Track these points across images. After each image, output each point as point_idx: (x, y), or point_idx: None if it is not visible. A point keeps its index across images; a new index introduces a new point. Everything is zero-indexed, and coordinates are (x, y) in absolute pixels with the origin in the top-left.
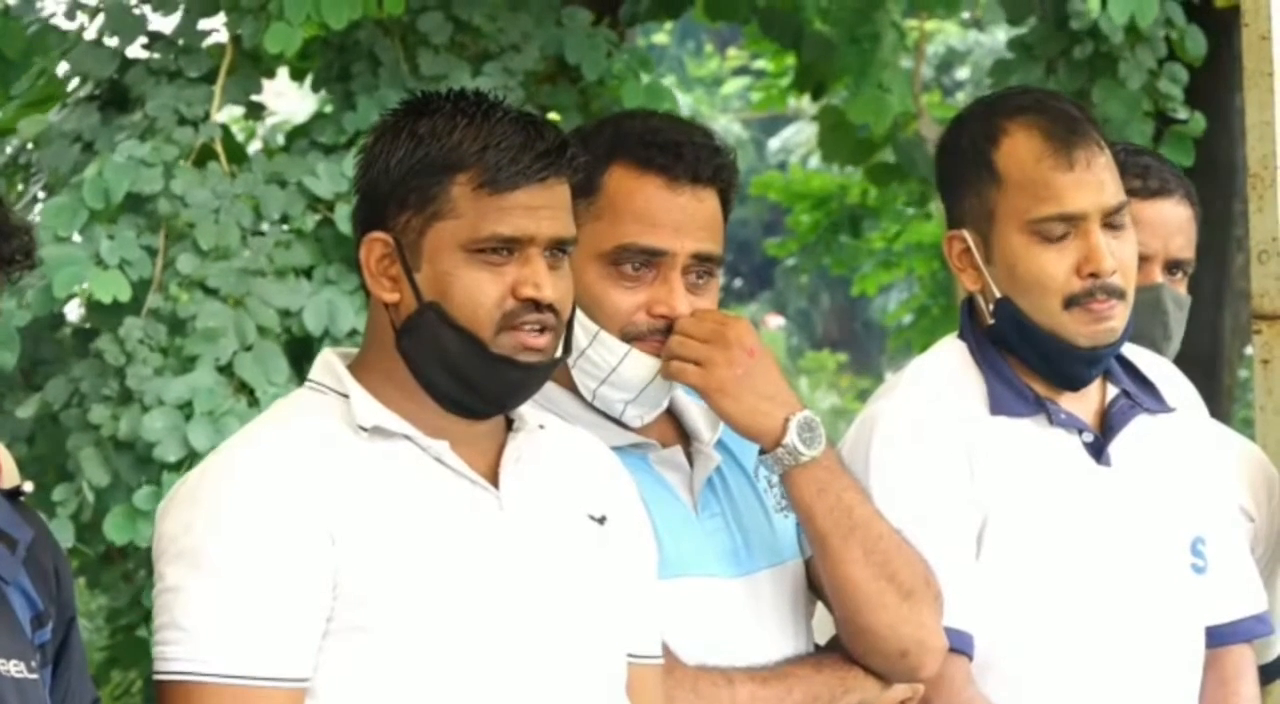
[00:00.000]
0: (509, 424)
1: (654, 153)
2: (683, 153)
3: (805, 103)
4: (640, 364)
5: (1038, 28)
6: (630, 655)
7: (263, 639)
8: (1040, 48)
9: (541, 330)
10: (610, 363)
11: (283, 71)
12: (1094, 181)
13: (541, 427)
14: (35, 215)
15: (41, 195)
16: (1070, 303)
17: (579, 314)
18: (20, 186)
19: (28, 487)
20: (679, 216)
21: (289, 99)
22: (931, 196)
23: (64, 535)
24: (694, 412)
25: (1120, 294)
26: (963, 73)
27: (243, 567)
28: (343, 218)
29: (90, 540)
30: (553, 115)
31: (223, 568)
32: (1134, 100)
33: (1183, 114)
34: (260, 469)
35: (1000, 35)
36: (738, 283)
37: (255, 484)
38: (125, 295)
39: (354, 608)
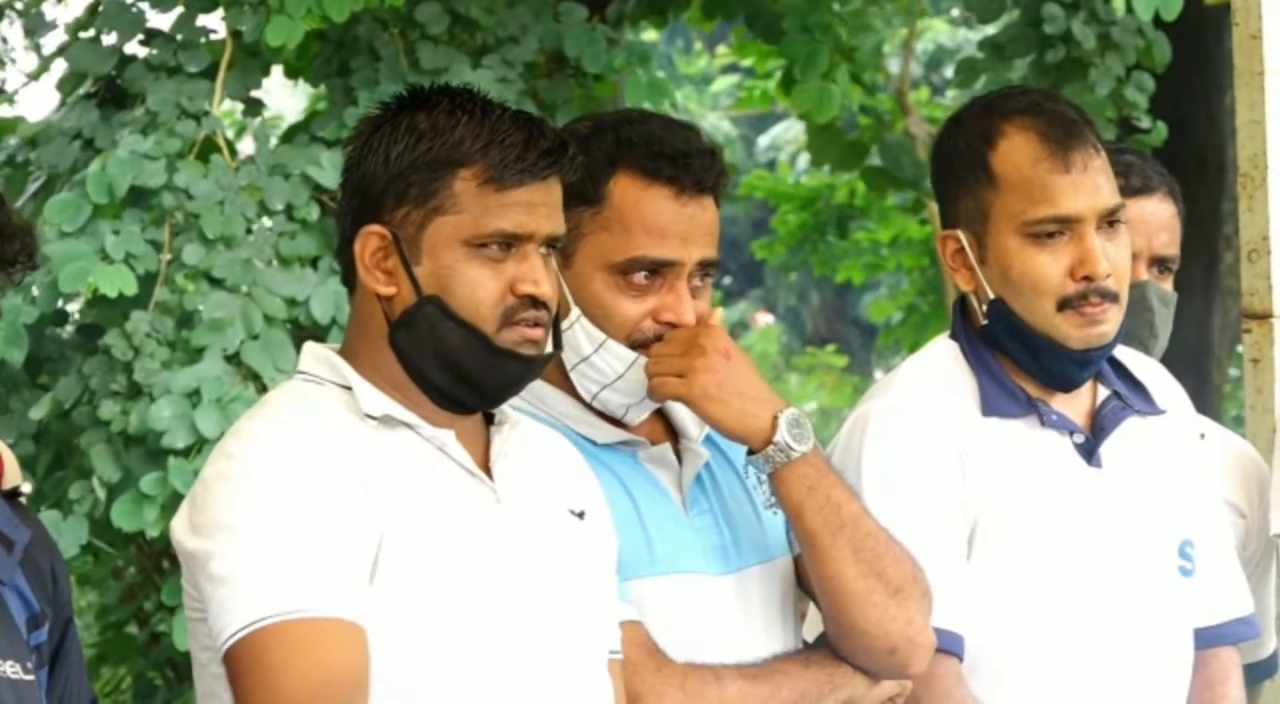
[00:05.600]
0: (488, 419)
1: (662, 164)
2: (690, 164)
3: None
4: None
5: (1010, 28)
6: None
7: (322, 576)
8: (1011, 48)
9: (535, 325)
10: (617, 370)
11: (273, 68)
12: (1090, 184)
13: (515, 423)
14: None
15: (33, 189)
16: (1064, 305)
17: (583, 320)
18: (19, 186)
19: (26, 487)
20: (687, 227)
21: (276, 96)
22: (926, 203)
23: (79, 533)
24: (682, 409)
25: (1113, 297)
26: (951, 70)
27: (289, 517)
28: None
29: (99, 536)
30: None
31: (267, 523)
32: (1099, 107)
33: (1146, 123)
34: (288, 438)
35: (990, 33)
36: (727, 280)
37: (287, 449)
38: (131, 289)
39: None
